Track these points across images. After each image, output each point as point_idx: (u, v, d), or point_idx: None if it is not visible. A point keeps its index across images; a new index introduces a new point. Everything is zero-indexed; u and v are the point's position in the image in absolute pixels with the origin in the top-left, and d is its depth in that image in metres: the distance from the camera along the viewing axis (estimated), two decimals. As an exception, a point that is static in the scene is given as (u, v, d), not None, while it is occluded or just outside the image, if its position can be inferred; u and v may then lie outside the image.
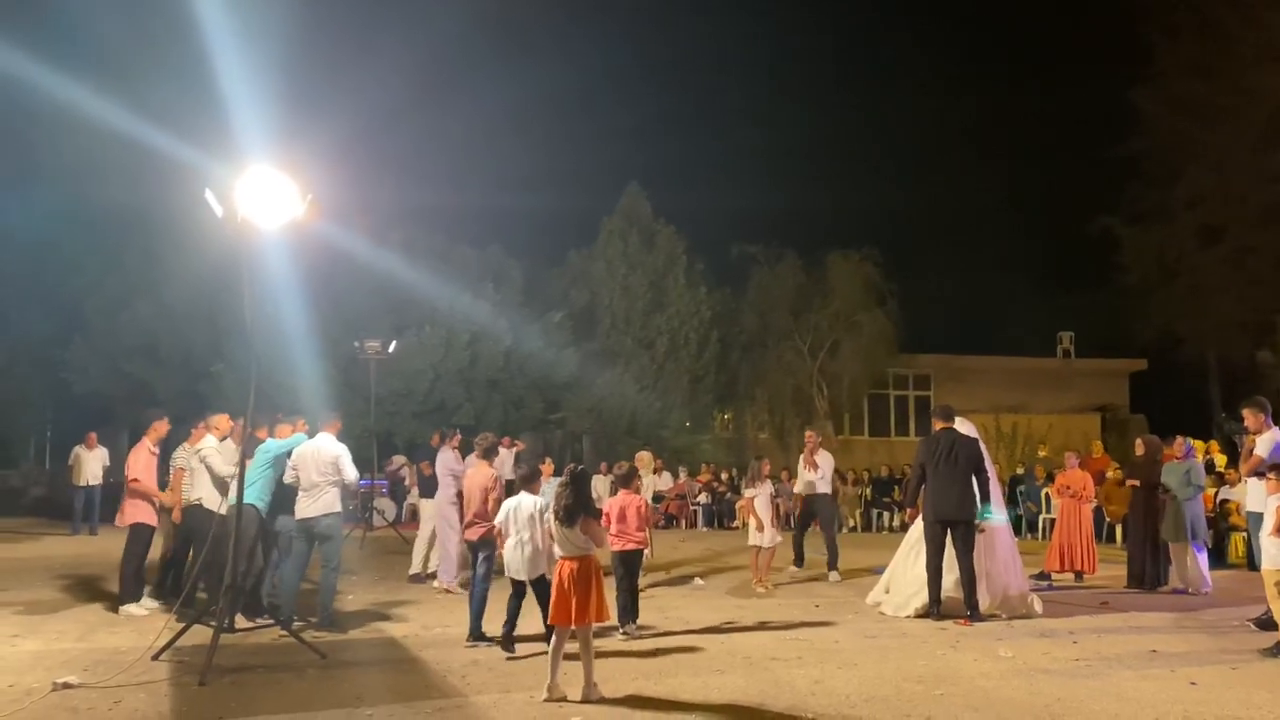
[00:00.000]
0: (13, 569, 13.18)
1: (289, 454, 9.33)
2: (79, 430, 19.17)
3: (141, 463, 10.14)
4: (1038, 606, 9.87)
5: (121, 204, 21.80)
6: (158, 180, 19.82)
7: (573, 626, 6.56)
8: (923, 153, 40.71)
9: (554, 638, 6.65)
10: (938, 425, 10.07)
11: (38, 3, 22.97)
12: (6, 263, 24.25)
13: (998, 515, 10.14)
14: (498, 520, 7.74)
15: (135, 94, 20.11)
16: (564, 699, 6.39)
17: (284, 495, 9.38)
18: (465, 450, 12.35)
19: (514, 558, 7.60)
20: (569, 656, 6.62)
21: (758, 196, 34.50)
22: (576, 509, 6.76)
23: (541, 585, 7.47)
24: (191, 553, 9.82)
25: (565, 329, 25.17)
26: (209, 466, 9.44)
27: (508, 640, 7.91)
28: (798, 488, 13.84)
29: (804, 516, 13.90)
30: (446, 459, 11.74)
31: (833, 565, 12.88)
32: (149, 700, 6.45)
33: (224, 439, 9.77)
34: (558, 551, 6.83)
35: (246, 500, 8.89)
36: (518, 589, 7.83)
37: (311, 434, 9.46)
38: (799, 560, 13.51)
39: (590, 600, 6.56)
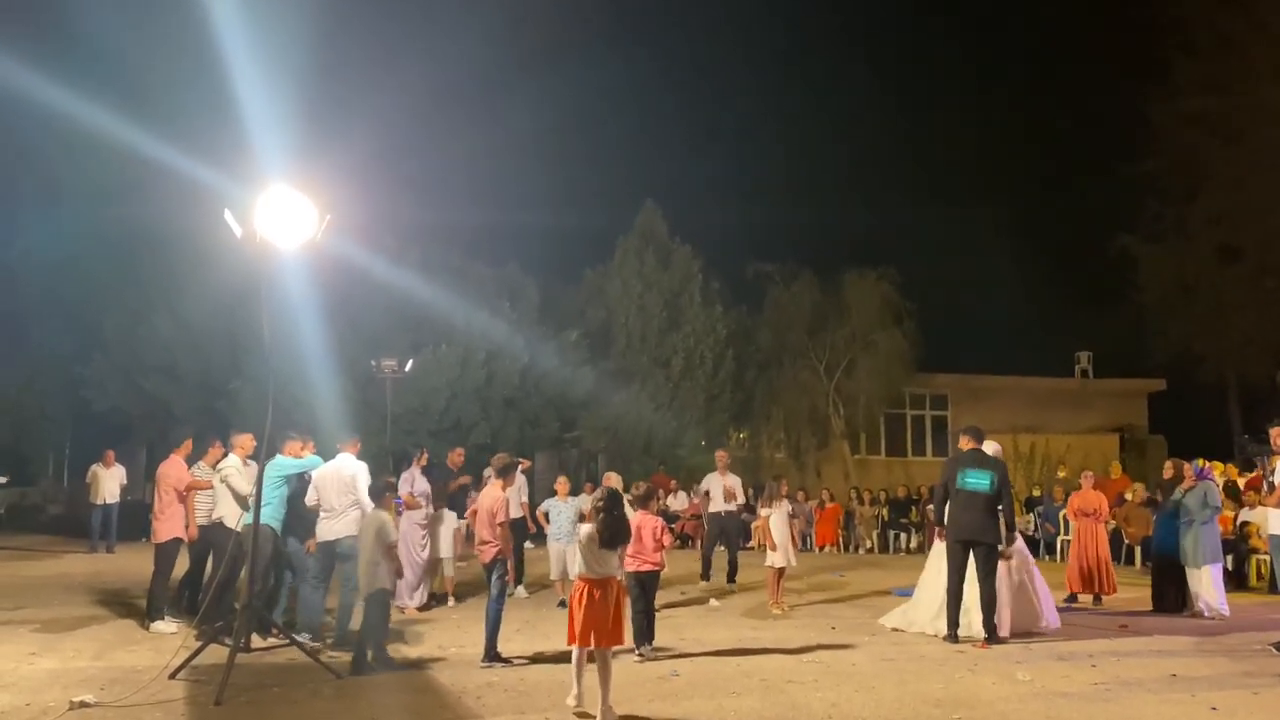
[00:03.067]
0: (31, 586, 13.24)
1: (301, 474, 9.36)
2: (98, 447, 19.28)
3: (184, 473, 10.20)
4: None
5: (141, 222, 21.97)
6: (177, 199, 19.95)
7: (592, 648, 6.56)
8: (940, 171, 40.69)
9: (575, 654, 6.68)
10: (966, 444, 10.01)
11: (59, 25, 23.21)
12: (28, 280, 24.48)
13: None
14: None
15: (155, 113, 20.28)
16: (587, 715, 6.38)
17: (295, 516, 9.41)
18: (440, 470, 12.52)
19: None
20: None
21: (774, 215, 34.49)
22: (621, 532, 6.81)
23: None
24: (211, 570, 9.85)
25: (581, 347, 25.18)
26: (231, 486, 9.48)
27: None
28: (713, 506, 14.21)
29: (713, 535, 14.40)
30: (412, 478, 11.78)
31: (732, 579, 13.84)
32: (165, 719, 6.45)
33: (249, 459, 9.81)
34: (579, 570, 6.83)
35: (261, 520, 9.01)
36: None
37: (326, 455, 9.49)
38: (705, 575, 14.10)
39: (610, 622, 6.58)
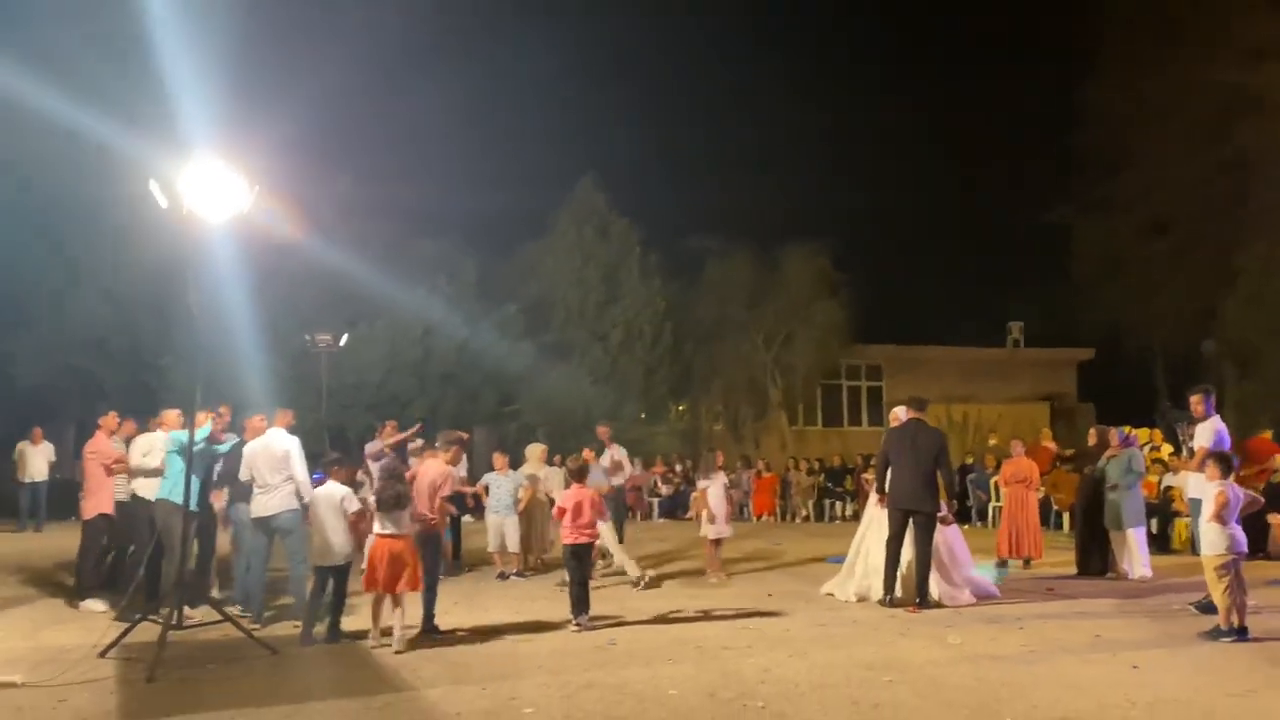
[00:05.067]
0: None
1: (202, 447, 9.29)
2: (24, 425, 18.85)
3: (109, 449, 10.05)
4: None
5: (64, 193, 21.38)
6: (104, 169, 19.48)
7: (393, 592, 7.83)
8: (874, 146, 40.90)
9: (374, 600, 7.91)
10: (909, 414, 10.15)
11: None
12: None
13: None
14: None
15: (78, 81, 19.70)
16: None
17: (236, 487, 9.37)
18: None
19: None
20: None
21: (712, 190, 34.60)
22: (400, 499, 7.99)
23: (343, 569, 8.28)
24: (133, 548, 9.72)
25: (519, 322, 25.13)
26: (146, 463, 9.39)
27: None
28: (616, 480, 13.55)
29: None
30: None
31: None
32: (94, 699, 6.37)
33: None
34: (379, 530, 7.94)
35: (161, 495, 9.12)
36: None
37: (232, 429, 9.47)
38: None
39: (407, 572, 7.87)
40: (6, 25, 21.15)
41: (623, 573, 11.40)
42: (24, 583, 11.47)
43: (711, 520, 11.69)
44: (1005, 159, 36.97)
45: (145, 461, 9.50)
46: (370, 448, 12.83)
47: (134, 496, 9.64)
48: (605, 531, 10.99)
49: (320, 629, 8.13)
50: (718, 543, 11.86)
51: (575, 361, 25.69)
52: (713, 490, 11.82)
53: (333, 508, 8.23)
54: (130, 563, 9.74)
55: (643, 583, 10.99)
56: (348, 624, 8.31)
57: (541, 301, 26.66)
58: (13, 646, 7.96)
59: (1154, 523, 14.26)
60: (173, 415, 9.72)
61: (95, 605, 9.58)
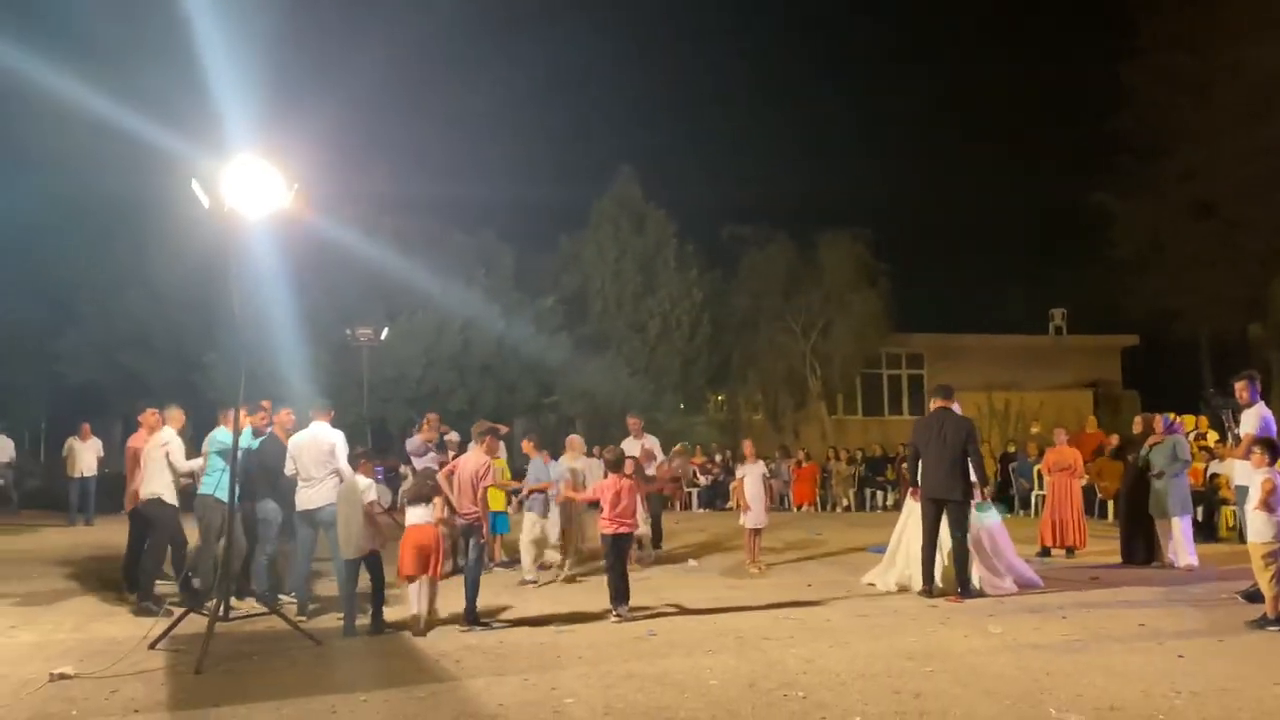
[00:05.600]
0: (9, 560, 13.21)
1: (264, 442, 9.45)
2: (73, 421, 19.18)
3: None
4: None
5: (112, 193, 21.78)
6: (147, 169, 19.76)
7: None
8: (913, 132, 40.82)
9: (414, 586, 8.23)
10: (936, 404, 10.14)
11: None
12: (-2, 254, 24.25)
13: (989, 515, 10.22)
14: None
15: (124, 82, 20.03)
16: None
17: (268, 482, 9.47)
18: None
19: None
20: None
21: (748, 179, 34.54)
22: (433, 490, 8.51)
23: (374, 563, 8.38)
24: (150, 545, 9.68)
25: (557, 314, 25.23)
26: (171, 460, 9.48)
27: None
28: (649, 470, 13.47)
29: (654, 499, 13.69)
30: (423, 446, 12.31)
31: (657, 543, 13.29)
32: (145, 689, 6.48)
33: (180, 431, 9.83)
34: (407, 521, 8.33)
35: (204, 491, 9.33)
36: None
37: (302, 424, 9.51)
38: (658, 541, 13.46)
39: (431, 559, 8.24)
40: (57, 29, 21.51)
41: (669, 562, 11.40)
42: (75, 576, 11.67)
43: (747, 509, 11.70)
44: (1046, 143, 36.64)
45: (178, 460, 9.58)
46: (411, 443, 12.92)
47: (152, 497, 9.55)
48: (528, 524, 11.17)
49: (363, 620, 8.22)
50: (757, 532, 11.86)
51: (613, 353, 25.74)
52: (749, 480, 11.82)
53: (353, 500, 8.34)
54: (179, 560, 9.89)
55: (535, 584, 10.78)
56: (389, 612, 8.38)
57: (579, 293, 26.74)
58: (64, 639, 8.11)
59: (1200, 510, 14.10)
60: (177, 413, 9.86)
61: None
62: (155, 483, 9.54)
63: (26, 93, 20.99)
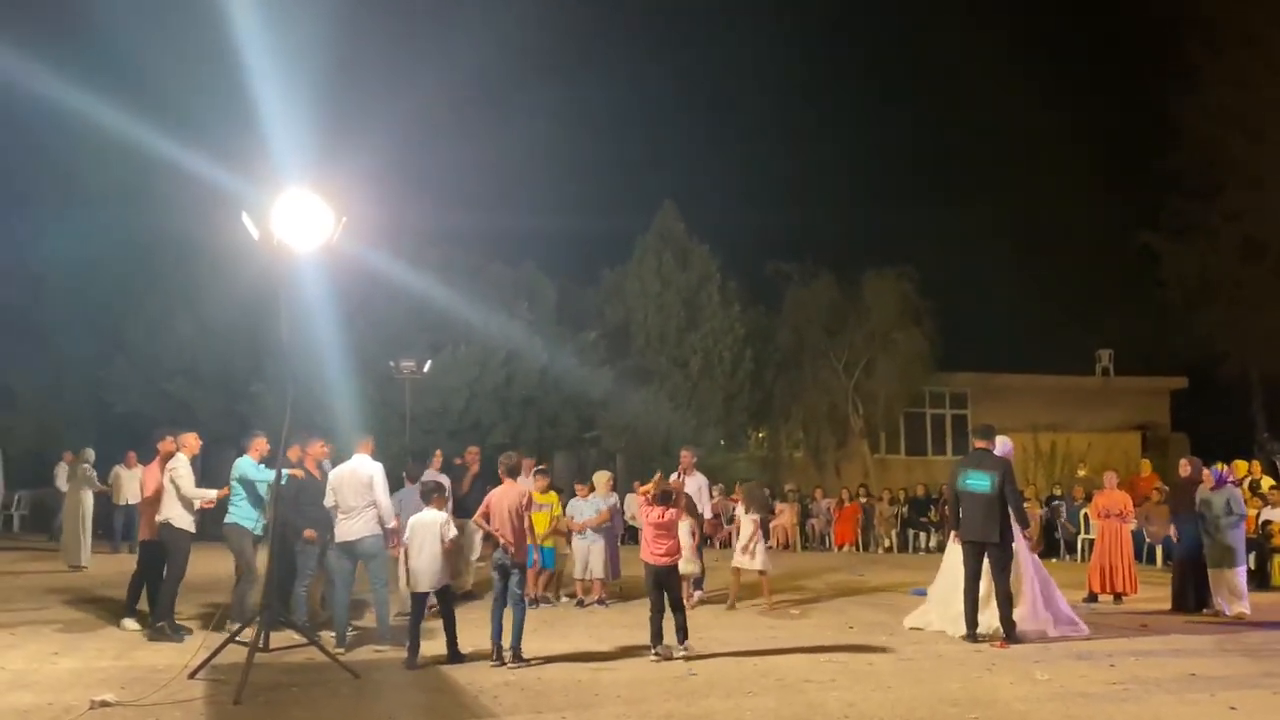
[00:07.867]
0: (52, 587, 13.35)
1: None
2: (120, 449, 19.38)
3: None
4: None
5: (162, 226, 22.16)
6: (197, 202, 20.10)
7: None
8: (959, 169, 40.44)
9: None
10: (976, 445, 10.04)
11: (79, 28, 23.38)
12: (50, 284, 24.68)
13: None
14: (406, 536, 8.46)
15: (175, 116, 20.44)
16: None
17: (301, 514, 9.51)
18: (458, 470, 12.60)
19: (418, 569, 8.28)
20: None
21: (792, 215, 34.32)
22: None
23: (445, 595, 8.45)
24: (166, 572, 9.68)
25: (600, 347, 25.23)
26: (177, 486, 9.51)
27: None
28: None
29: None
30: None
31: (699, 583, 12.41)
32: (184, 718, 6.50)
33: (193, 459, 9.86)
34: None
35: (231, 520, 9.47)
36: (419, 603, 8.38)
37: (345, 456, 9.56)
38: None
39: None
40: (108, 61, 21.99)
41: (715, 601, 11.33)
42: (118, 603, 11.73)
43: (744, 551, 11.73)
44: (1093, 181, 36.23)
45: (184, 486, 9.60)
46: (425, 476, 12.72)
47: (167, 524, 9.57)
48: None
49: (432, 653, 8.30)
50: (760, 574, 11.81)
51: (655, 387, 25.70)
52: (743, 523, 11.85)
53: (432, 534, 8.35)
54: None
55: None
56: (426, 646, 8.36)
57: (621, 327, 26.75)
58: (106, 666, 8.16)
59: (1252, 558, 13.79)
60: (190, 438, 9.91)
61: (129, 624, 9.94)
62: (166, 509, 9.61)
63: (84, 129, 21.47)
